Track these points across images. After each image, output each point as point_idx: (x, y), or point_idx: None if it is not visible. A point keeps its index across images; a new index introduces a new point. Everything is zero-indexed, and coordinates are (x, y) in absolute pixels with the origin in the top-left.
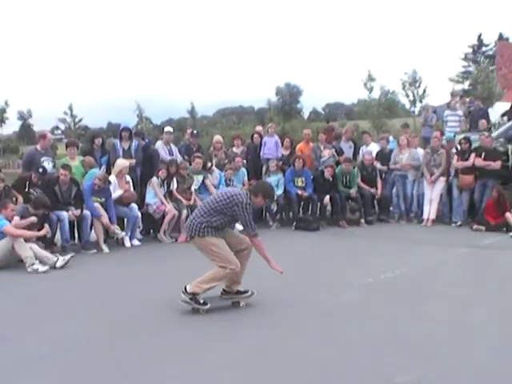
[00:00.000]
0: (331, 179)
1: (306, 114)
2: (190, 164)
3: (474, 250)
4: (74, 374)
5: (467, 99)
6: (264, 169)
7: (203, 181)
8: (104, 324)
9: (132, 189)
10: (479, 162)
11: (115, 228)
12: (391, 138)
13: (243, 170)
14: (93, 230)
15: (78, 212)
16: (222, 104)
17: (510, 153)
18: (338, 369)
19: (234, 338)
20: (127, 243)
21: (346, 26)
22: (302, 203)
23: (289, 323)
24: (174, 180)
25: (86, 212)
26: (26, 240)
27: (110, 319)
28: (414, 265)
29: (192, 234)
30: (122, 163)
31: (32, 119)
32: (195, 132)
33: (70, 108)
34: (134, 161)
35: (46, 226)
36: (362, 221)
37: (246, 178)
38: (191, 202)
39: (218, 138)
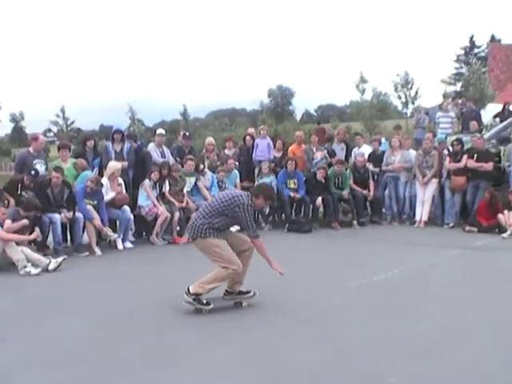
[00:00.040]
0: (323, 181)
1: (298, 116)
2: (183, 166)
3: (467, 252)
4: (73, 374)
5: (459, 101)
6: (256, 171)
7: (195, 183)
8: (99, 325)
9: (124, 191)
10: (471, 163)
11: (107, 230)
12: (383, 140)
13: (235, 171)
14: (85, 233)
15: (70, 214)
16: (214, 106)
17: (502, 154)
18: (334, 369)
19: (231, 339)
20: (120, 245)
21: (338, 27)
22: (295, 205)
23: (285, 325)
24: (167, 182)
25: (79, 214)
26: (18, 243)
27: (105, 321)
28: (407, 266)
29: (194, 236)
30: (114, 165)
31: (24, 121)
32: (187, 134)
33: (63, 110)
34: (126, 163)
35: (37, 229)
36: (355, 222)
37: (238, 179)
38: (183, 204)
39: (210, 140)
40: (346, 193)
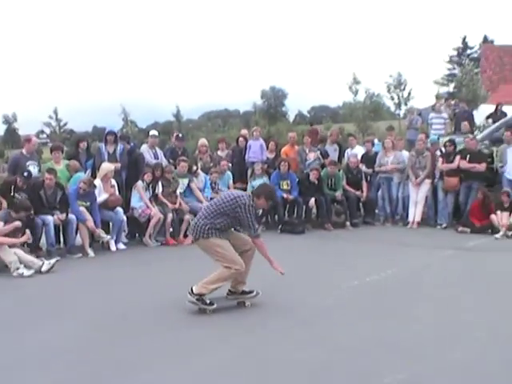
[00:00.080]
0: (316, 182)
1: (291, 117)
2: (175, 167)
3: (460, 252)
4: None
5: (452, 102)
6: (249, 172)
7: (188, 184)
8: (92, 327)
9: (117, 193)
10: (464, 164)
11: (100, 232)
12: (376, 141)
13: (228, 173)
14: (78, 234)
15: (63, 216)
16: (207, 107)
17: (494, 155)
18: (332, 369)
19: (230, 339)
20: (113, 247)
21: (331, 29)
22: (288, 206)
23: (281, 325)
24: (160, 184)
25: (72, 216)
26: (10, 245)
27: (98, 322)
28: (400, 267)
29: (197, 236)
30: (107, 167)
31: (17, 123)
32: (180, 135)
33: (55, 112)
34: (119, 164)
35: (28, 231)
36: (348, 223)
37: (231, 181)
38: (176, 206)
39: (203, 141)
40: (338, 194)
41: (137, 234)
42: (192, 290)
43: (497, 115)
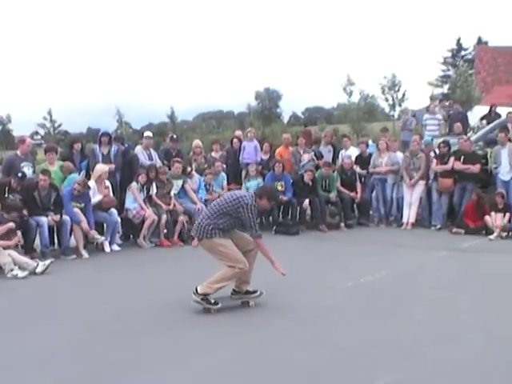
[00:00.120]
0: (311, 183)
1: (285, 119)
2: (170, 169)
3: (454, 253)
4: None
5: (446, 103)
6: (243, 173)
7: (183, 185)
8: (87, 328)
9: (111, 194)
10: (458, 165)
11: (94, 233)
12: (370, 142)
13: (223, 174)
14: (72, 236)
15: (57, 217)
16: (201, 108)
17: (488, 156)
18: (327, 370)
19: (224, 340)
20: (107, 248)
21: (326, 30)
22: (282, 207)
23: (276, 326)
24: (154, 185)
25: (66, 217)
26: (4, 247)
27: (94, 323)
28: (394, 268)
29: (200, 236)
30: (101, 168)
31: (11, 124)
32: (174, 136)
33: (50, 113)
34: (113, 166)
35: (19, 233)
36: (342, 225)
37: (225, 182)
38: (171, 207)
39: (197, 142)
40: (333, 195)
41: (131, 236)
42: (196, 289)
43: (491, 116)
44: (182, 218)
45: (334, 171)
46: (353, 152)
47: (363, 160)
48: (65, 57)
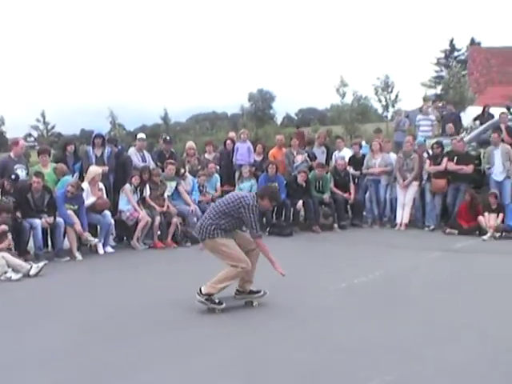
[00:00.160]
0: (304, 184)
1: (279, 120)
2: (163, 170)
3: (447, 254)
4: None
5: (439, 104)
6: (237, 175)
7: (176, 187)
8: (82, 329)
9: (105, 196)
10: (452, 166)
11: (87, 235)
12: (364, 143)
13: (216, 175)
14: (66, 238)
15: (50, 219)
16: (195, 110)
17: (482, 157)
18: (325, 370)
19: (219, 342)
20: (100, 250)
21: (318, 31)
22: (276, 208)
23: (272, 327)
24: (147, 187)
25: (59, 219)
26: None
27: (88, 325)
28: (388, 269)
29: (203, 237)
30: (94, 170)
31: (5, 126)
32: (168, 138)
33: (43, 115)
34: (106, 168)
35: (9, 236)
36: (336, 226)
37: (218, 184)
38: (164, 209)
39: (190, 144)
40: (326, 196)
41: (125, 237)
42: (200, 290)
43: (484, 117)
44: (175, 220)
45: (327, 172)
46: (346, 153)
47: (356, 161)
48: (58, 59)
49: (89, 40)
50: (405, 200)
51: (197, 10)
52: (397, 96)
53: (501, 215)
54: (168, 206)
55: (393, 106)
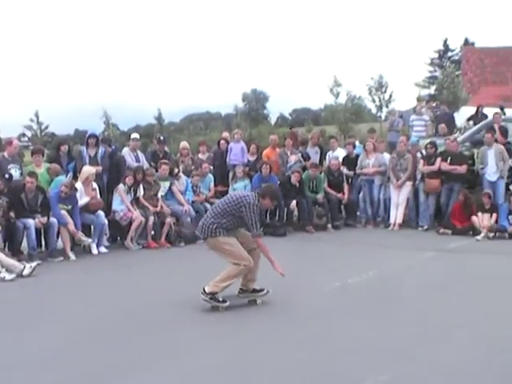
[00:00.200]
0: (298, 184)
1: (273, 120)
2: (157, 170)
3: (441, 254)
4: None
5: (433, 104)
6: (231, 175)
7: (170, 187)
8: (77, 329)
9: (98, 196)
10: (445, 166)
11: (81, 235)
12: (357, 143)
13: (210, 176)
14: (59, 238)
15: (44, 220)
16: (189, 110)
17: (475, 157)
18: (315, 371)
19: (211, 343)
20: (94, 250)
21: (312, 31)
22: (269, 209)
23: (263, 329)
24: (141, 187)
25: (53, 220)
26: None
27: (82, 325)
28: (382, 269)
29: (205, 235)
30: (88, 170)
31: None
32: (162, 138)
33: (37, 115)
34: (100, 168)
35: None
36: (329, 226)
37: (212, 184)
38: (158, 209)
39: (184, 144)
40: (320, 196)
41: (118, 238)
42: (204, 290)
43: (478, 117)
44: (169, 220)
45: (321, 172)
46: (340, 153)
47: (350, 161)
48: (52, 59)
49: (83, 40)
50: (398, 200)
51: (191, 10)
52: (391, 96)
53: (494, 215)
54: (162, 206)
55: (387, 106)
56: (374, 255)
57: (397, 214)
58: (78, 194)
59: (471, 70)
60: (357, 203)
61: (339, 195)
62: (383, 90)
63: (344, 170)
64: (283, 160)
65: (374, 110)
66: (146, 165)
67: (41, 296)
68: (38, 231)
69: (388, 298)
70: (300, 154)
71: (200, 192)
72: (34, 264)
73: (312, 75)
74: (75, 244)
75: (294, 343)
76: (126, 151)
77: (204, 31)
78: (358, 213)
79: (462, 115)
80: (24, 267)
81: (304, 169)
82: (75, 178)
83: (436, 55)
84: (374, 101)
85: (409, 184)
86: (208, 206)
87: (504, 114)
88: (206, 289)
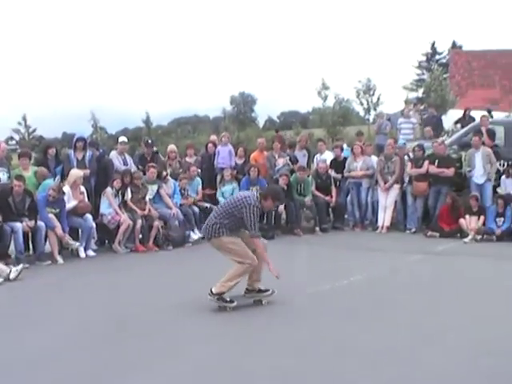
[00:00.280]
0: (286, 188)
1: (261, 123)
2: (145, 174)
3: (429, 257)
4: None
5: (421, 107)
6: (218, 178)
7: (158, 190)
8: (67, 333)
9: (86, 199)
10: (433, 169)
11: (68, 239)
12: (345, 146)
13: (198, 179)
14: (47, 241)
15: (32, 223)
16: (177, 113)
17: (463, 160)
18: (306, 374)
19: (196, 345)
20: (82, 254)
21: (300, 34)
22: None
23: (251, 330)
24: (129, 190)
25: (41, 223)
26: None
27: (72, 329)
28: (369, 272)
29: (209, 236)
30: (75, 173)
31: None
32: (150, 141)
33: (24, 118)
34: (88, 171)
35: None
36: (317, 229)
37: (200, 187)
38: (146, 212)
39: (172, 147)
40: (308, 199)
41: (106, 241)
42: (211, 291)
43: (465, 120)
44: (157, 223)
45: (308, 175)
46: (328, 156)
47: (338, 164)
48: (40, 62)
49: (71, 43)
50: (386, 203)
51: (178, 14)
52: (378, 99)
53: (482, 218)
54: (149, 210)
55: (374, 109)
56: (362, 258)
57: (384, 217)
58: (65, 198)
59: (459, 73)
60: (345, 206)
61: (327, 198)
62: (371, 92)
63: (332, 172)
64: (271, 163)
65: (361, 113)
66: (133, 168)
67: (28, 300)
68: (25, 235)
69: (376, 301)
70: (288, 157)
71: (188, 195)
72: (19, 267)
73: (300, 78)
74: (63, 247)
75: (282, 345)
76: (113, 154)
77: (192, 35)
78: (346, 216)
79: (450, 118)
80: (10, 271)
81: (292, 172)
82: (63, 181)
83: (424, 58)
84: (361, 104)
85: (396, 187)
86: (196, 209)
87: (491, 116)
88: (213, 290)
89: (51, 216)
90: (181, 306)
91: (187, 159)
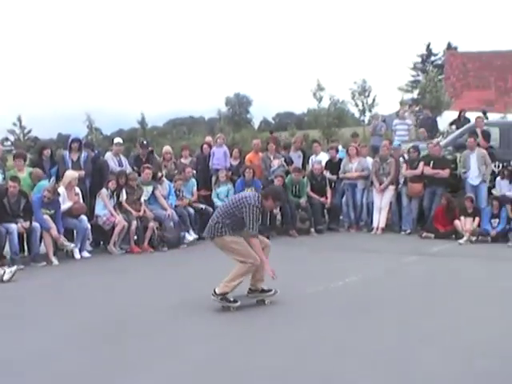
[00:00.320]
0: None
1: (256, 124)
2: (140, 175)
3: (423, 258)
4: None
5: (416, 108)
6: (214, 179)
7: (153, 192)
8: (60, 334)
9: (81, 200)
10: (428, 170)
11: (63, 240)
12: (340, 148)
13: (193, 180)
14: (42, 243)
15: (27, 224)
16: (172, 114)
17: (458, 161)
18: (290, 375)
19: (187, 350)
20: (77, 255)
21: (295, 35)
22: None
23: (245, 332)
24: (124, 191)
25: (36, 224)
26: None
27: (69, 330)
28: (364, 273)
29: (212, 235)
30: (71, 175)
31: None
32: (145, 142)
33: (19, 119)
34: (83, 172)
35: None
36: (312, 230)
37: (195, 188)
38: (141, 213)
39: (167, 148)
40: (303, 200)
41: (101, 242)
42: (215, 291)
43: (460, 121)
44: (152, 225)
45: (303, 177)
46: (323, 157)
47: (333, 165)
48: (35, 62)
49: (66, 44)
50: (381, 204)
51: (173, 16)
52: (374, 100)
53: (477, 219)
54: (144, 211)
55: (370, 111)
56: (357, 259)
57: (380, 218)
58: (60, 199)
59: (454, 75)
60: (340, 207)
61: (322, 199)
62: (366, 94)
63: (327, 174)
64: (266, 164)
65: (357, 115)
66: (128, 169)
67: (23, 301)
68: (20, 236)
69: (371, 302)
70: (283, 159)
71: (183, 196)
72: (13, 269)
73: (295, 79)
74: (58, 249)
75: (275, 346)
76: (108, 156)
77: (187, 36)
78: (341, 217)
79: (445, 119)
80: (4, 272)
81: (287, 173)
82: (58, 182)
83: (419, 59)
84: (357, 105)
85: (391, 188)
86: (191, 210)
87: (486, 118)
88: (217, 290)
89: (46, 217)
90: (179, 306)
91: (182, 160)
